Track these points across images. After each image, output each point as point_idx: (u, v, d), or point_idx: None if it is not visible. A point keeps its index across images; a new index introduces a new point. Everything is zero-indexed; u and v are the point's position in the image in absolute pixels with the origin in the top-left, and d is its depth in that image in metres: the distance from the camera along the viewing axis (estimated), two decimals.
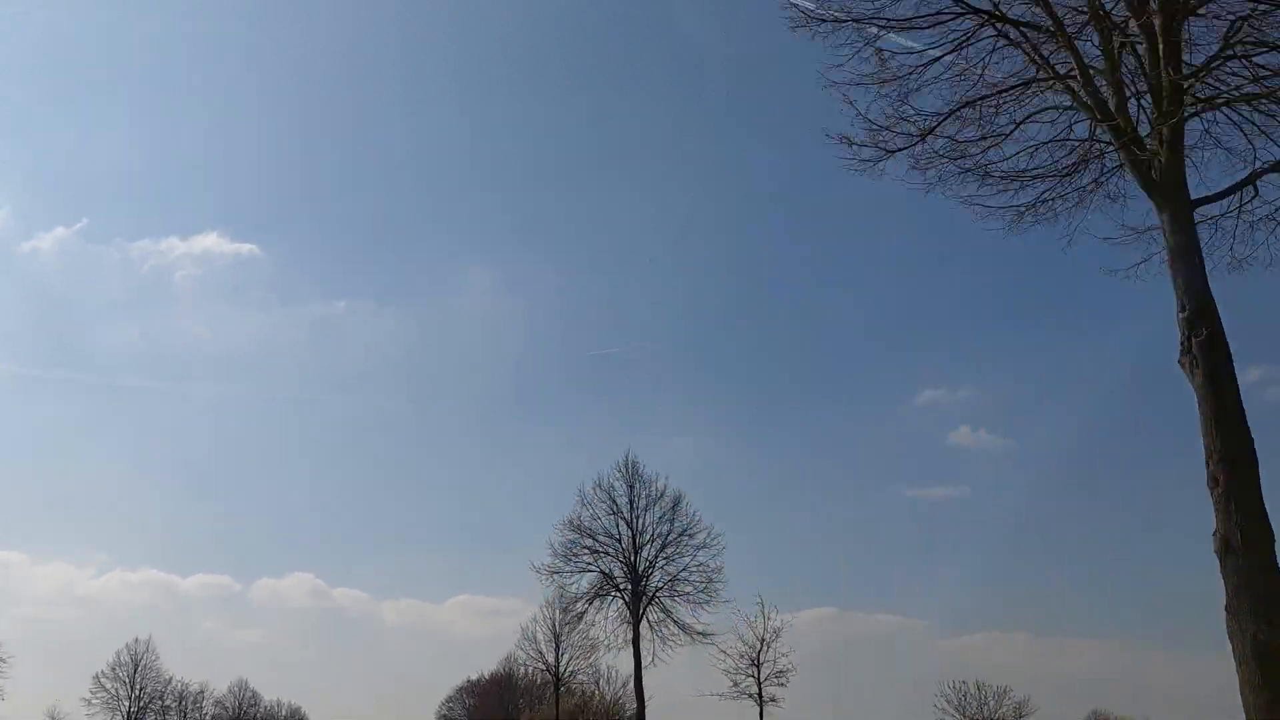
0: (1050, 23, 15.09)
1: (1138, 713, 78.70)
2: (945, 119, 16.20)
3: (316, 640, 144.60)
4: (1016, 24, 15.41)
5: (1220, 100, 15.20)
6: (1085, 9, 15.20)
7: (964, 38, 15.59)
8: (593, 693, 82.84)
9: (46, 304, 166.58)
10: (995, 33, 15.60)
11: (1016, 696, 67.30)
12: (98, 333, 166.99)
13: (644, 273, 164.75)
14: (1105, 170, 16.89)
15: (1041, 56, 15.57)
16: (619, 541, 57.90)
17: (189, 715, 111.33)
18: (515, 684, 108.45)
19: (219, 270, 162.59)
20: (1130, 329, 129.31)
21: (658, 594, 56.70)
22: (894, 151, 16.29)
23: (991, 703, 67.04)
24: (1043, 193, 16.90)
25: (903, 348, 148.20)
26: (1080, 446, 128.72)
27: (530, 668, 76.05)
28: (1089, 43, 15.36)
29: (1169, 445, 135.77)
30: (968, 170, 16.56)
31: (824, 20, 15.51)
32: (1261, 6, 14.33)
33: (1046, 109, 16.36)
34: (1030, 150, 16.63)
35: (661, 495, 58.84)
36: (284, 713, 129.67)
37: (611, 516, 58.42)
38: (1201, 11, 14.80)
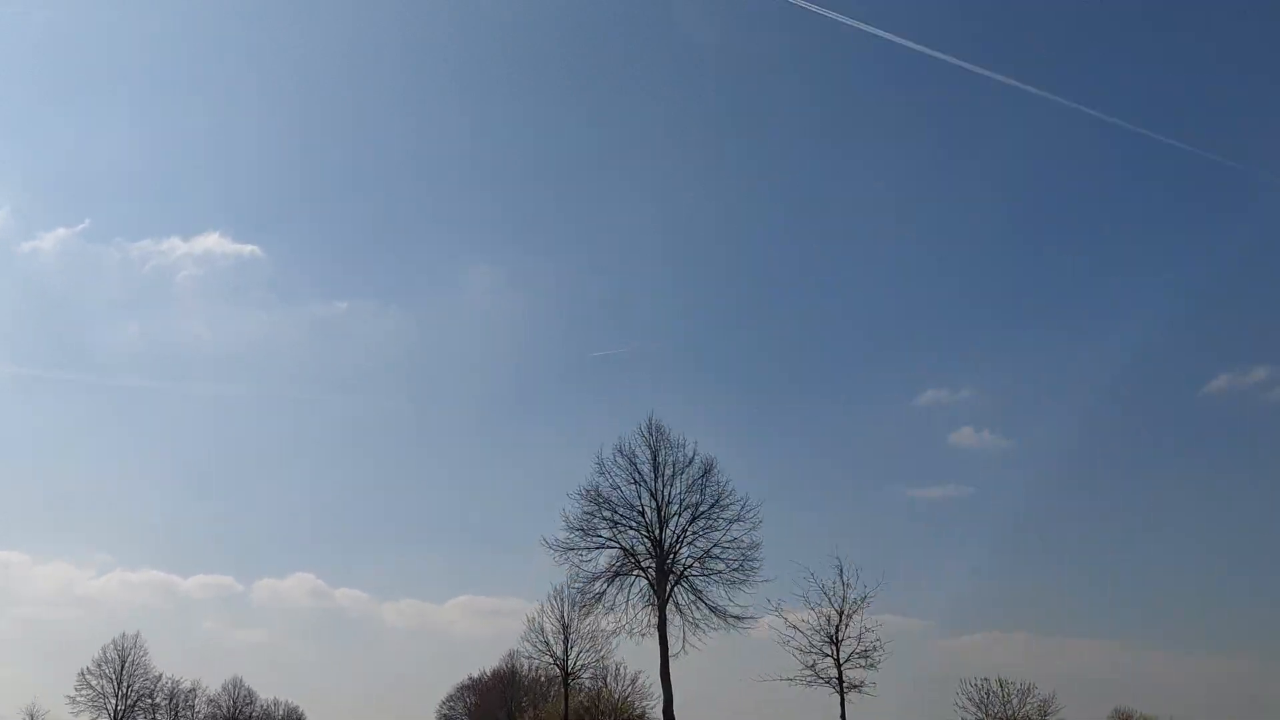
0: None
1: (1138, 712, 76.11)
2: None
3: (317, 640, 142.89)
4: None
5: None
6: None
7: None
8: (601, 689, 77.50)
9: (47, 304, 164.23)
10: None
11: (1041, 694, 63.85)
12: (98, 333, 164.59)
13: (644, 273, 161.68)
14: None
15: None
16: (641, 514, 51.63)
17: (180, 714, 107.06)
18: (519, 681, 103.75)
19: (221, 270, 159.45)
20: (1130, 329, 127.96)
21: (686, 573, 50.66)
22: None
23: (1015, 701, 63.65)
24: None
25: (903, 348, 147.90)
26: (1080, 446, 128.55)
27: (536, 661, 69.64)
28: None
29: (1169, 445, 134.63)
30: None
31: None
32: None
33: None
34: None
35: (690, 462, 52.33)
36: (281, 712, 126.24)
37: (633, 486, 52.02)
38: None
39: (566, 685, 65.26)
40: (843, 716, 44.08)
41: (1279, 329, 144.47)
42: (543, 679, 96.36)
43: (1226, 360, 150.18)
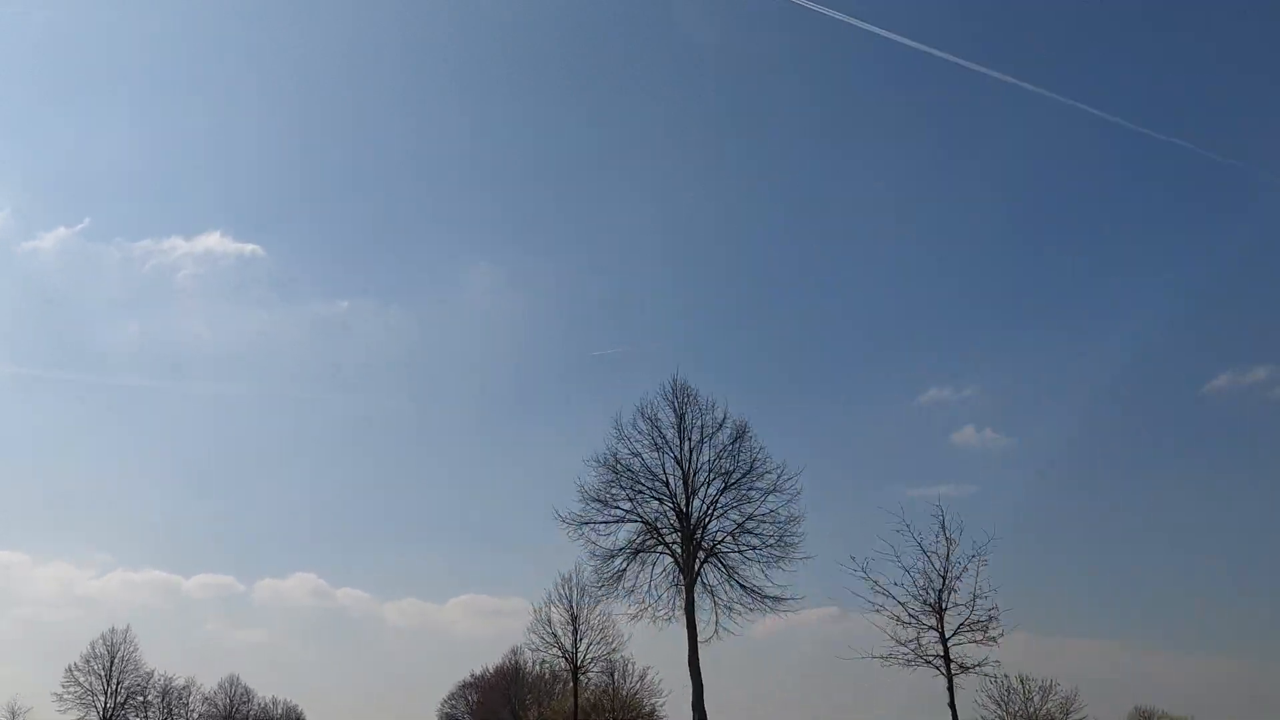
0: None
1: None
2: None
3: (318, 640, 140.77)
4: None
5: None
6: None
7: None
8: (609, 685, 73.09)
9: (47, 304, 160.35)
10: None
11: (1062, 692, 60.93)
12: (98, 332, 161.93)
13: (644, 273, 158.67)
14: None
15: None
16: (666, 483, 46.02)
17: (174, 711, 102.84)
18: (523, 678, 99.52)
19: (222, 270, 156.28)
20: (1130, 329, 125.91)
21: (717, 548, 45.11)
22: None
23: (1036, 699, 60.66)
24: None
25: (903, 347, 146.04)
26: (1081, 446, 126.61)
27: (543, 655, 64.45)
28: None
29: (1169, 445, 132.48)
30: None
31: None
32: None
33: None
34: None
35: (721, 425, 46.52)
36: (279, 711, 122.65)
37: (656, 452, 46.40)
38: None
39: (576, 680, 60.68)
40: (951, 704, 35.33)
41: (1279, 329, 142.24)
42: (548, 675, 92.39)
43: (1226, 360, 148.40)
